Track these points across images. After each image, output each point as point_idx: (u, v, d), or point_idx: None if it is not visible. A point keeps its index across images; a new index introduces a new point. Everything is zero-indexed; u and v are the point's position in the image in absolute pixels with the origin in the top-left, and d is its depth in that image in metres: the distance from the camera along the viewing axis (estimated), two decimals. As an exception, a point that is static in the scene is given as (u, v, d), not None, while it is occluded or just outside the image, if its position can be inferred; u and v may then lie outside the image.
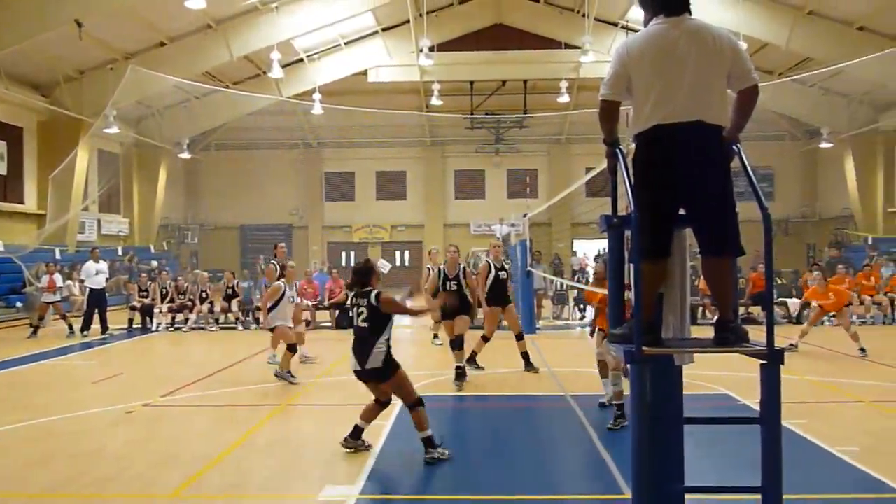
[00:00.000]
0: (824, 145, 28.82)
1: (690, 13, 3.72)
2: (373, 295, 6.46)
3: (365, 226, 35.31)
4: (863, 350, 11.72)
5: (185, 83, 24.86)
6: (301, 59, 27.72)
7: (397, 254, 35.31)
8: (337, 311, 17.43)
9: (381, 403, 6.62)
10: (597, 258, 20.35)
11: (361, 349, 6.41)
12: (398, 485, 5.83)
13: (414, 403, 6.34)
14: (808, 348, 12.57)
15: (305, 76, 28.32)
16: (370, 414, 6.59)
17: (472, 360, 10.51)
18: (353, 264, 30.13)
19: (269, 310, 10.36)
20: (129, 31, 22.37)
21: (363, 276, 6.63)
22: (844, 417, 7.83)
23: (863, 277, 17.59)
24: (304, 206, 35.35)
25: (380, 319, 6.41)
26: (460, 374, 9.65)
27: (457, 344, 9.74)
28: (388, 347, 6.43)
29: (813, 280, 13.92)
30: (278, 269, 12.11)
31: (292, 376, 9.87)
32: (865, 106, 27.42)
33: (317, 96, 27.25)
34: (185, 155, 30.02)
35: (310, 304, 17.57)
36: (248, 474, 5.97)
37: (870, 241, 26.70)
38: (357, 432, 6.52)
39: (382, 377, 6.40)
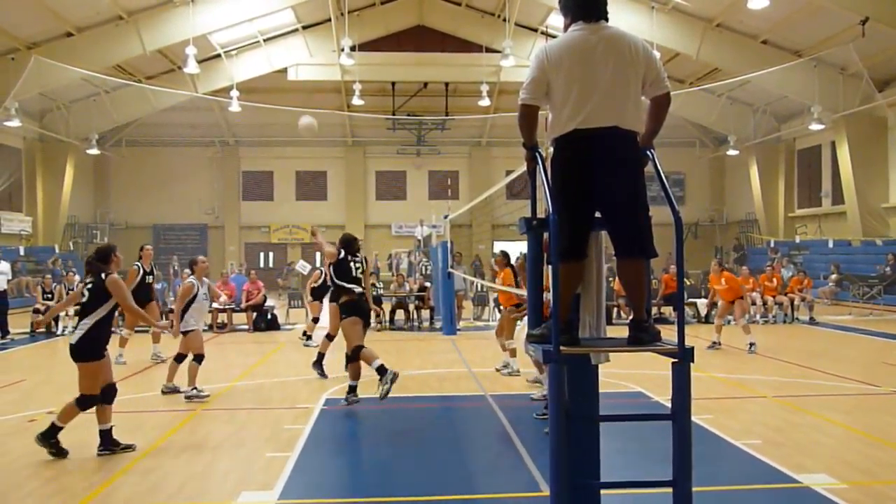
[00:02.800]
0: (731, 152, 30.07)
1: (608, 20, 3.81)
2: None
3: (284, 226, 34.75)
4: (752, 345, 12.32)
5: (93, 76, 23.89)
6: (218, 55, 27.05)
7: (318, 255, 34.85)
8: (254, 314, 17.09)
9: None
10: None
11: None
12: (317, 489, 5.75)
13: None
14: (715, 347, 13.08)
15: (223, 72, 27.65)
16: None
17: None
18: (271, 265, 29.56)
19: (183, 312, 8.96)
20: (32, 19, 21.32)
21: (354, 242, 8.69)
22: (748, 412, 8.19)
23: (765, 279, 18.45)
24: (221, 205, 34.51)
25: None
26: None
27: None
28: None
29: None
30: (140, 270, 11.76)
31: (200, 391, 8.88)
32: (768, 116, 28.79)
33: (234, 93, 26.65)
34: (94, 151, 28.81)
35: (226, 305, 17.22)
36: (161, 481, 5.78)
37: (772, 245, 28.04)
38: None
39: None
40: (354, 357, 8.19)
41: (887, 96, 21.93)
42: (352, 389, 8.36)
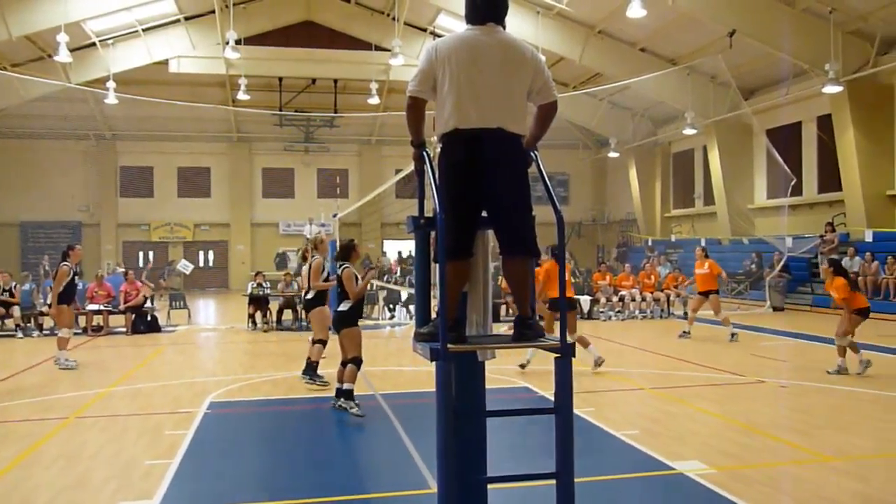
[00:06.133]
0: (612, 154, 31.27)
1: (504, 26, 3.86)
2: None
3: (165, 224, 33.38)
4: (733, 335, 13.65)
5: (-49, 62, 22.14)
6: (93, 44, 25.64)
7: (201, 254, 33.76)
8: (133, 315, 16.35)
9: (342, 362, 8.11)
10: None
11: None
12: (199, 496, 5.56)
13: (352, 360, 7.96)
14: (596, 342, 13.58)
15: (98, 62, 26.20)
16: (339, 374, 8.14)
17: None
18: (151, 265, 28.36)
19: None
20: None
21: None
22: (627, 404, 8.57)
23: (644, 276, 19.35)
24: (96, 202, 32.75)
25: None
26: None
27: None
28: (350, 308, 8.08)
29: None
30: (71, 270, 11.40)
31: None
32: (646, 120, 30.14)
33: (111, 84, 25.32)
34: (-47, 143, 26.73)
35: (102, 307, 16.40)
36: (31, 493, 5.44)
37: (649, 243, 29.39)
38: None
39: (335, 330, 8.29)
40: None
41: (752, 104, 23.40)
42: None
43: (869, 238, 19.56)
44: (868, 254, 18.60)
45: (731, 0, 19.79)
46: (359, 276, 8.26)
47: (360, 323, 8.31)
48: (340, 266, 8.24)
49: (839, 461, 6.06)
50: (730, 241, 25.48)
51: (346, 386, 7.94)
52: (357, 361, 8.02)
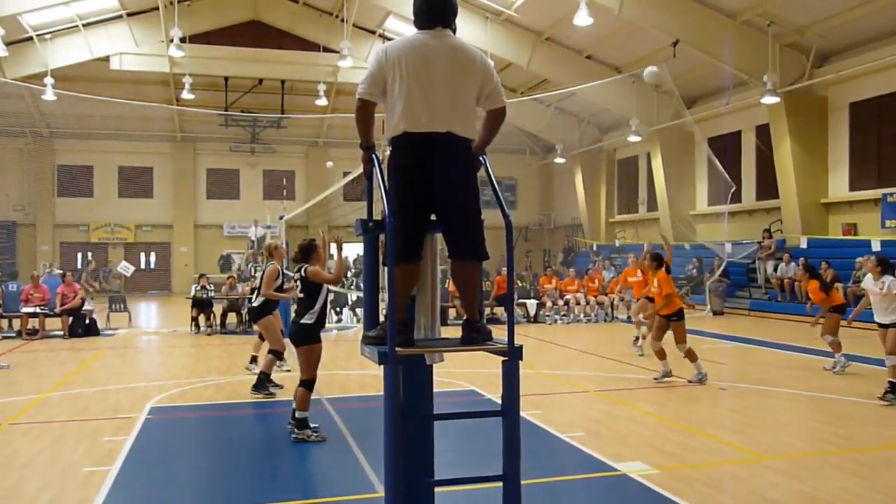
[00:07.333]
0: (558, 160, 31.62)
1: (454, 31, 3.88)
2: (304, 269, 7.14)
3: (105, 225, 32.46)
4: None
5: None
6: (30, 38, 24.82)
7: (142, 255, 32.94)
8: (70, 318, 15.87)
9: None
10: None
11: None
12: None
13: (303, 382, 7.03)
14: (543, 345, 13.75)
15: (35, 57, 25.35)
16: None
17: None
18: (89, 266, 27.52)
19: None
20: None
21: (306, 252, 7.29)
22: (573, 406, 8.68)
23: (588, 280, 19.64)
24: (32, 201, 31.64)
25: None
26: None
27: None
28: (315, 319, 7.08)
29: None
30: None
31: None
32: (592, 126, 30.60)
33: (48, 80, 24.54)
34: None
35: (37, 310, 15.87)
36: (-42, 505, 5.25)
37: (594, 248, 29.84)
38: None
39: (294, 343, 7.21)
40: None
41: (695, 113, 23.98)
42: None
43: (804, 244, 20.20)
44: (802, 259, 19.21)
45: (675, 11, 20.25)
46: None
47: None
48: (300, 268, 7.18)
49: (775, 460, 6.26)
50: (672, 247, 25.99)
51: (298, 414, 7.01)
52: (309, 384, 7.08)
